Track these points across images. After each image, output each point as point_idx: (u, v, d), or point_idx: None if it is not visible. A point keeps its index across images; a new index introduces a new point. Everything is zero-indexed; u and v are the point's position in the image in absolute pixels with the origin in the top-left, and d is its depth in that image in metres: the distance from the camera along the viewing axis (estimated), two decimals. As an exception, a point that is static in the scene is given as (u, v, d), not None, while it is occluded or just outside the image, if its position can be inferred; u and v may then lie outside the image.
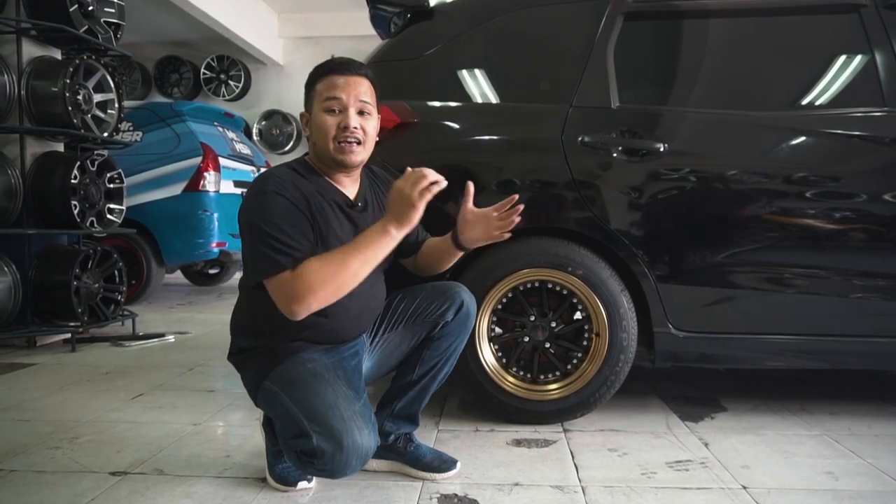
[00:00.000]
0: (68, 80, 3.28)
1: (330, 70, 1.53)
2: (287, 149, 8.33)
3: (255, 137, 8.17)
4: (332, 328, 1.55)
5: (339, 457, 1.39)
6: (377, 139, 1.60)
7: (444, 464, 1.70)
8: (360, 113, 1.52)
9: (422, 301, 1.69)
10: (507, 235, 1.62)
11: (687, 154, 2.04)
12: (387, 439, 1.71)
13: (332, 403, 1.42)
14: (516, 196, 1.58)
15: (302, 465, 1.49)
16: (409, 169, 1.38)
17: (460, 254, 1.68)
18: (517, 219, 1.58)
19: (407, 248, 1.74)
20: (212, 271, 6.43)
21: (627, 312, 2.02)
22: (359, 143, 1.51)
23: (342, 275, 1.38)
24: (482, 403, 2.13)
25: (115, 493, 1.60)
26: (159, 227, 4.89)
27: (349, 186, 1.60)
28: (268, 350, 1.53)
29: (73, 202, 3.35)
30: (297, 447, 1.44)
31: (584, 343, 2.07)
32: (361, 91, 1.52)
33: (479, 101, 2.19)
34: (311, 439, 1.39)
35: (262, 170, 5.76)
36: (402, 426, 1.72)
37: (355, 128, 1.50)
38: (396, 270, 1.76)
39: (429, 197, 1.36)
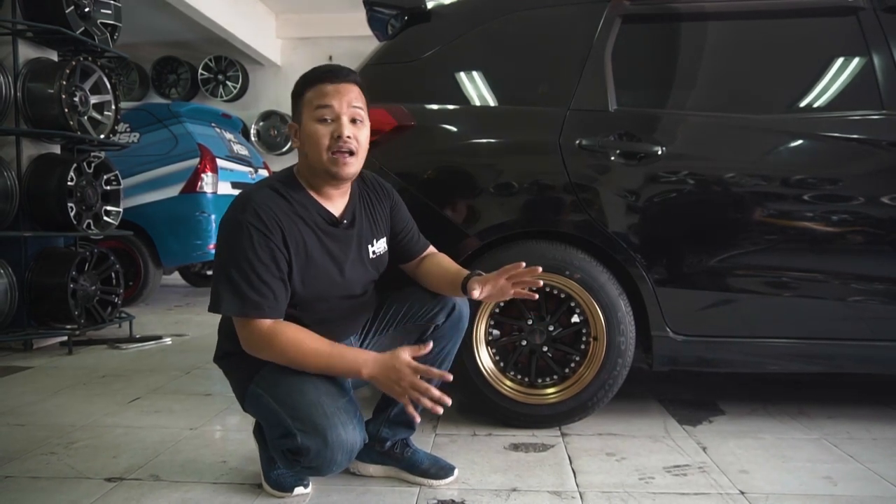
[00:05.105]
0: (64, 82, 3.27)
1: (319, 78, 1.49)
2: (285, 150, 8.33)
3: (252, 138, 8.16)
4: None
5: (325, 453, 1.39)
6: (369, 147, 1.58)
7: (441, 470, 1.69)
8: (353, 121, 1.49)
9: (412, 304, 1.67)
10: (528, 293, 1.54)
11: (685, 157, 2.04)
12: (383, 445, 1.70)
13: (315, 401, 1.41)
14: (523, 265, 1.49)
15: (290, 465, 1.49)
16: (419, 368, 1.38)
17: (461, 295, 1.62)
18: (538, 282, 1.52)
19: (402, 254, 1.73)
20: (209, 272, 6.42)
21: (625, 316, 2.02)
22: (352, 153, 1.48)
23: (296, 363, 1.43)
24: (480, 407, 2.12)
25: (111, 500, 1.59)
26: (157, 228, 4.87)
27: (337, 201, 1.57)
28: (250, 355, 1.52)
29: (70, 204, 3.34)
30: (283, 447, 1.45)
31: (582, 347, 2.06)
32: (353, 98, 1.48)
33: (477, 103, 2.18)
34: (297, 438, 1.40)
35: (261, 171, 5.77)
36: (398, 432, 1.71)
37: (349, 137, 1.46)
38: (391, 272, 1.75)
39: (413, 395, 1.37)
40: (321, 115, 1.47)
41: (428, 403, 1.36)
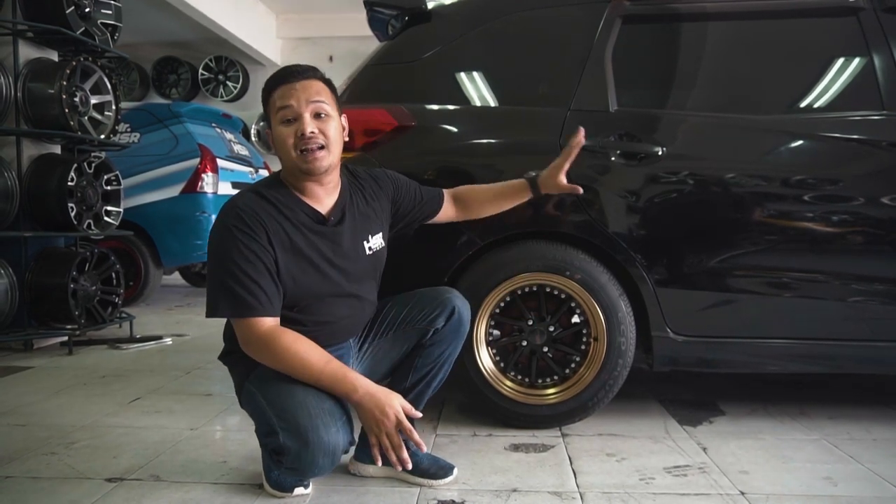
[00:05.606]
0: (65, 82, 3.28)
1: (278, 80, 1.51)
2: (285, 150, 8.31)
3: (253, 138, 8.15)
4: (310, 337, 1.54)
5: (305, 454, 1.40)
6: (346, 140, 1.59)
7: (441, 470, 1.69)
8: (318, 116, 1.49)
9: (412, 308, 1.68)
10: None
11: (685, 158, 2.03)
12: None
13: (301, 401, 1.42)
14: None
15: (275, 464, 1.51)
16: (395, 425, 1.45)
17: (529, 196, 1.78)
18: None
19: (429, 214, 1.81)
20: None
21: (626, 316, 2.02)
22: (321, 147, 1.48)
23: (290, 370, 1.45)
24: (480, 408, 2.12)
25: (112, 500, 1.59)
26: (157, 228, 4.88)
27: (324, 199, 1.57)
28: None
29: (70, 204, 3.34)
30: (269, 445, 1.46)
31: (583, 347, 2.06)
32: (312, 93, 1.49)
33: (478, 104, 2.18)
34: (279, 436, 1.41)
35: (261, 171, 5.77)
36: (397, 433, 1.71)
37: (312, 132, 1.46)
38: (389, 273, 1.75)
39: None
40: (283, 116, 1.48)
41: (393, 458, 1.46)
